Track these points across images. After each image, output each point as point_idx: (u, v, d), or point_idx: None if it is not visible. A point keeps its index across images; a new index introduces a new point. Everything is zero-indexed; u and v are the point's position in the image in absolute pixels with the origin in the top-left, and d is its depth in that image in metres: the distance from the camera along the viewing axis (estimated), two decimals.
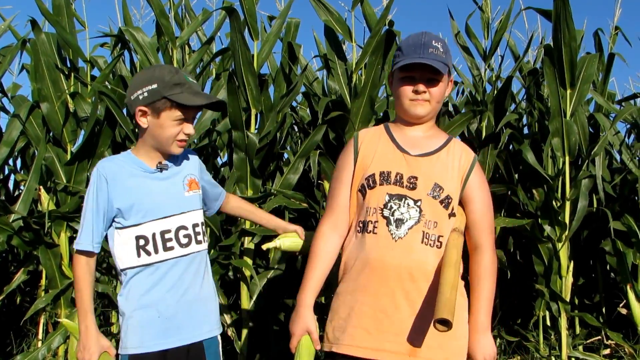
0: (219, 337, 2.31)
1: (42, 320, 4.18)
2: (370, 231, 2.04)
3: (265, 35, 4.13)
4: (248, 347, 3.81)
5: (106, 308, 4.31)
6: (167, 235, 2.16)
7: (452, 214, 2.08)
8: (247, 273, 3.78)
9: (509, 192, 4.25)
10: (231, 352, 3.90)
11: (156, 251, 2.15)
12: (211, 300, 2.30)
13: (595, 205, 4.60)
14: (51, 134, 4.14)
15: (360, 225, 2.08)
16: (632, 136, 5.28)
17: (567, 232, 4.00)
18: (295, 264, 4.12)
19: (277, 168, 4.28)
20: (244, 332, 3.79)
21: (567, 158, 4.01)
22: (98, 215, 2.14)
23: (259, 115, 4.05)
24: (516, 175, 4.38)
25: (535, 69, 4.63)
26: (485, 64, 4.71)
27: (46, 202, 3.92)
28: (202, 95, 2.18)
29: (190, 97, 2.12)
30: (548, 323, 4.31)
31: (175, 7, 4.37)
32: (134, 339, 2.14)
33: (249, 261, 3.77)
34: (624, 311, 4.41)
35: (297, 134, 5.24)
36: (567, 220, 4.00)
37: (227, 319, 3.84)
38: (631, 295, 4.16)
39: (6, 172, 5.39)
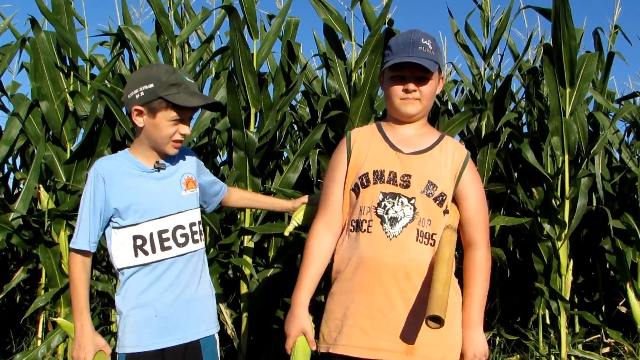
0: (217, 336, 2.31)
1: (41, 319, 4.18)
2: (364, 230, 2.04)
3: (265, 34, 4.13)
4: (248, 345, 3.81)
5: (106, 307, 4.31)
6: (164, 235, 2.16)
7: (446, 211, 2.08)
8: (247, 272, 3.78)
9: (509, 191, 4.26)
10: (231, 351, 3.90)
11: (154, 251, 2.15)
12: (208, 299, 2.30)
13: (594, 203, 4.61)
14: (51, 133, 4.14)
15: (354, 224, 2.08)
16: (632, 135, 5.28)
17: (566, 230, 4.00)
18: (294, 263, 4.12)
19: (276, 167, 4.28)
20: (244, 330, 3.79)
21: (566, 157, 4.01)
22: (95, 215, 2.14)
23: (258, 114, 4.05)
24: (516, 174, 4.39)
25: (535, 68, 4.63)
26: (485, 62, 4.72)
27: (46, 201, 3.93)
28: (199, 95, 2.17)
29: (187, 97, 2.11)
30: (548, 321, 4.31)
31: (174, 5, 4.37)
32: (131, 337, 2.14)
33: (249, 260, 3.77)
34: (623, 309, 4.41)
35: (297, 132, 5.24)
36: (566, 219, 4.00)
37: (227, 317, 3.84)
38: (631, 294, 4.17)
39: (5, 170, 5.38)
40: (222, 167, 4.76)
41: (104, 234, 2.21)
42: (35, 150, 4.20)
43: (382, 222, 2.02)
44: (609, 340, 4.44)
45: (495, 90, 4.63)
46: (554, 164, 4.23)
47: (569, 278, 4.09)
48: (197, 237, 2.24)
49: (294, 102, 5.00)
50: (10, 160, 5.21)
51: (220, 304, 3.71)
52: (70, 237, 3.88)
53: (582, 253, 4.74)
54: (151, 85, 2.09)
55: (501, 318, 4.58)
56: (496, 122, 4.35)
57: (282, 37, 4.37)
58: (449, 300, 1.91)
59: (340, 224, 2.15)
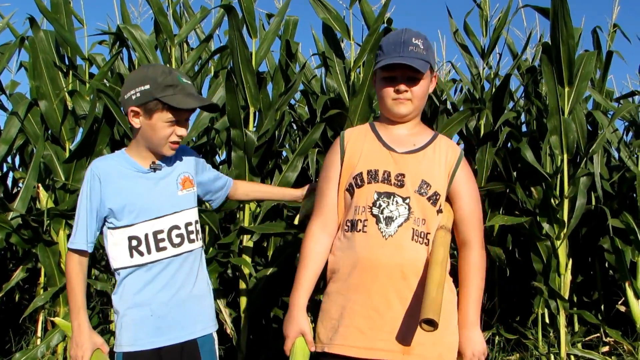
0: (214, 335, 2.31)
1: (41, 318, 4.18)
2: (359, 230, 2.03)
3: (264, 33, 4.13)
4: (247, 344, 3.81)
5: (105, 306, 4.31)
6: (159, 236, 2.16)
7: (439, 211, 2.08)
8: (246, 271, 3.78)
9: (508, 190, 4.26)
10: (230, 350, 3.91)
11: (149, 251, 2.15)
12: (205, 298, 2.30)
13: (593, 203, 4.61)
14: (49, 132, 4.14)
15: (349, 224, 2.08)
16: (630, 134, 5.29)
17: (565, 229, 4.00)
18: (294, 262, 4.12)
19: (275, 166, 4.28)
20: (243, 329, 3.79)
21: (565, 156, 4.01)
22: (92, 215, 2.14)
23: (257, 113, 4.05)
24: (514, 173, 4.39)
25: (534, 67, 4.63)
26: (484, 61, 4.72)
27: (45, 200, 3.93)
28: (195, 97, 2.16)
29: (183, 99, 2.10)
30: (547, 320, 4.32)
31: (173, 4, 4.37)
32: (127, 336, 2.15)
33: (248, 259, 3.77)
34: (622, 308, 4.42)
35: (296, 131, 5.24)
36: (565, 218, 4.00)
37: (226, 316, 3.84)
38: (630, 293, 4.17)
39: (4, 169, 5.38)
40: (221, 167, 4.76)
41: (102, 234, 2.21)
42: (34, 149, 4.20)
43: (378, 221, 2.01)
44: (608, 339, 4.45)
45: (494, 89, 4.63)
46: (553, 163, 4.23)
47: (568, 277, 4.09)
48: (193, 236, 2.24)
49: (292, 101, 5.01)
50: (9, 159, 5.21)
51: (219, 303, 3.71)
52: (69, 237, 3.88)
53: (581, 252, 4.74)
54: (147, 87, 2.08)
55: (500, 317, 4.58)
56: (495, 121, 4.35)
57: (281, 36, 4.37)
58: (444, 300, 1.92)
59: (335, 224, 2.15)
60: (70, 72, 4.15)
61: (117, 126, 4.04)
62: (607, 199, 4.50)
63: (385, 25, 4.05)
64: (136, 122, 2.15)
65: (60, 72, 4.11)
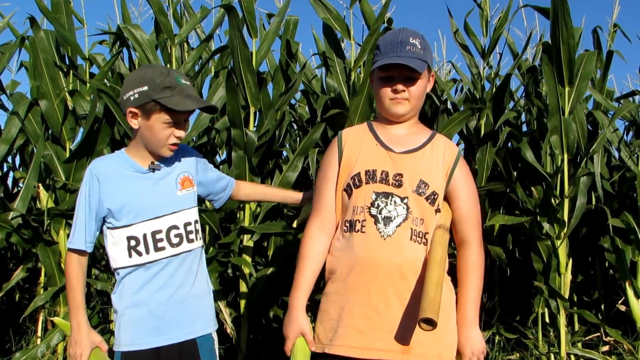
0: (214, 335, 2.30)
1: (41, 318, 4.19)
2: (358, 230, 2.03)
3: (264, 32, 4.13)
4: (247, 344, 3.81)
5: (105, 305, 4.32)
6: (158, 236, 2.16)
7: (437, 210, 2.08)
8: (246, 270, 3.79)
9: (508, 190, 4.26)
10: (230, 350, 3.91)
11: (147, 252, 2.16)
12: (204, 297, 2.29)
13: (593, 202, 4.61)
14: (50, 132, 4.14)
15: (347, 224, 2.07)
16: (631, 133, 5.29)
17: (565, 229, 4.00)
18: (294, 261, 4.11)
19: (276, 166, 4.28)
20: (243, 329, 3.79)
21: (565, 155, 4.01)
22: (90, 215, 2.15)
23: (257, 113, 4.05)
24: (515, 173, 4.39)
25: (534, 67, 4.63)
26: (484, 61, 4.72)
27: (45, 200, 3.93)
28: (193, 98, 2.15)
29: (180, 100, 2.10)
30: (547, 320, 4.32)
31: (173, 4, 4.37)
32: (126, 336, 2.16)
33: (248, 259, 3.77)
34: (622, 308, 4.42)
35: (296, 131, 5.24)
36: (565, 218, 4.00)
37: (226, 316, 3.84)
38: (630, 292, 4.17)
39: (5, 169, 5.39)
40: (221, 166, 4.76)
41: (102, 234, 2.22)
42: (35, 149, 4.20)
43: (376, 221, 2.01)
44: (608, 338, 4.45)
45: (494, 89, 4.63)
46: (553, 162, 4.23)
47: (568, 277, 4.09)
48: (192, 236, 2.24)
49: (293, 101, 5.01)
50: (9, 159, 5.22)
51: (219, 303, 3.71)
52: (69, 236, 3.88)
53: (582, 252, 4.74)
54: (145, 88, 2.08)
55: (501, 317, 4.59)
56: (495, 121, 4.35)
57: (282, 36, 4.37)
58: (443, 299, 1.92)
59: (333, 225, 2.15)
60: (71, 71, 4.15)
61: (118, 126, 4.04)
62: (607, 199, 4.50)
63: (386, 25, 4.05)
64: (134, 123, 2.14)
65: (60, 72, 4.12)
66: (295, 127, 5.17)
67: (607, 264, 4.66)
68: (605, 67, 4.73)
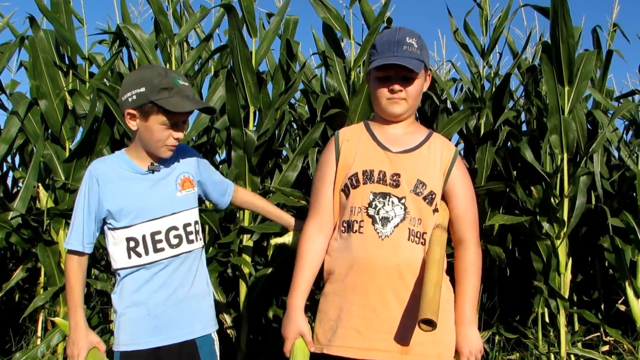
0: (214, 335, 2.30)
1: (41, 318, 4.18)
2: (356, 231, 2.03)
3: (264, 32, 4.13)
4: (247, 344, 3.81)
5: (105, 305, 4.32)
6: (157, 237, 2.17)
7: (435, 210, 2.08)
8: (246, 270, 3.78)
9: (507, 190, 4.26)
10: (230, 350, 3.90)
11: (146, 253, 2.16)
12: (204, 298, 2.29)
13: (593, 202, 4.61)
14: (49, 131, 4.14)
15: (345, 225, 2.07)
16: (630, 133, 5.29)
17: (565, 229, 4.00)
18: (293, 261, 4.11)
19: (275, 165, 4.28)
20: (243, 329, 3.79)
21: (565, 155, 4.01)
22: (89, 217, 2.15)
23: (257, 112, 4.05)
24: (514, 173, 4.39)
25: (534, 66, 4.63)
26: (484, 61, 4.72)
27: (45, 200, 3.93)
28: (191, 100, 2.15)
29: (178, 102, 2.09)
30: (547, 320, 4.32)
31: (173, 4, 4.36)
32: (125, 335, 2.16)
33: (248, 259, 3.77)
34: (622, 308, 4.41)
35: (296, 131, 5.24)
36: (565, 217, 4.00)
37: (226, 316, 3.84)
38: (630, 292, 4.17)
39: (4, 169, 5.38)
40: (221, 166, 4.76)
41: (103, 234, 2.21)
42: (34, 148, 4.20)
43: (374, 222, 2.01)
44: (608, 338, 4.45)
45: (494, 89, 4.63)
46: (553, 162, 4.23)
47: (568, 276, 4.09)
48: (192, 237, 2.24)
49: (293, 101, 5.00)
50: (9, 158, 5.22)
51: (219, 303, 3.71)
52: (66, 237, 3.88)
53: (581, 251, 4.74)
54: (143, 89, 2.08)
55: (500, 316, 4.59)
56: (495, 121, 4.35)
57: (281, 35, 4.37)
58: (442, 299, 1.92)
59: (331, 225, 2.15)
60: (70, 71, 4.14)
61: (117, 125, 4.04)
62: (607, 198, 4.50)
63: (385, 24, 4.05)
64: (133, 124, 2.15)
65: (60, 72, 4.11)
66: (295, 127, 5.17)
67: (606, 264, 4.66)
68: (605, 67, 4.73)
